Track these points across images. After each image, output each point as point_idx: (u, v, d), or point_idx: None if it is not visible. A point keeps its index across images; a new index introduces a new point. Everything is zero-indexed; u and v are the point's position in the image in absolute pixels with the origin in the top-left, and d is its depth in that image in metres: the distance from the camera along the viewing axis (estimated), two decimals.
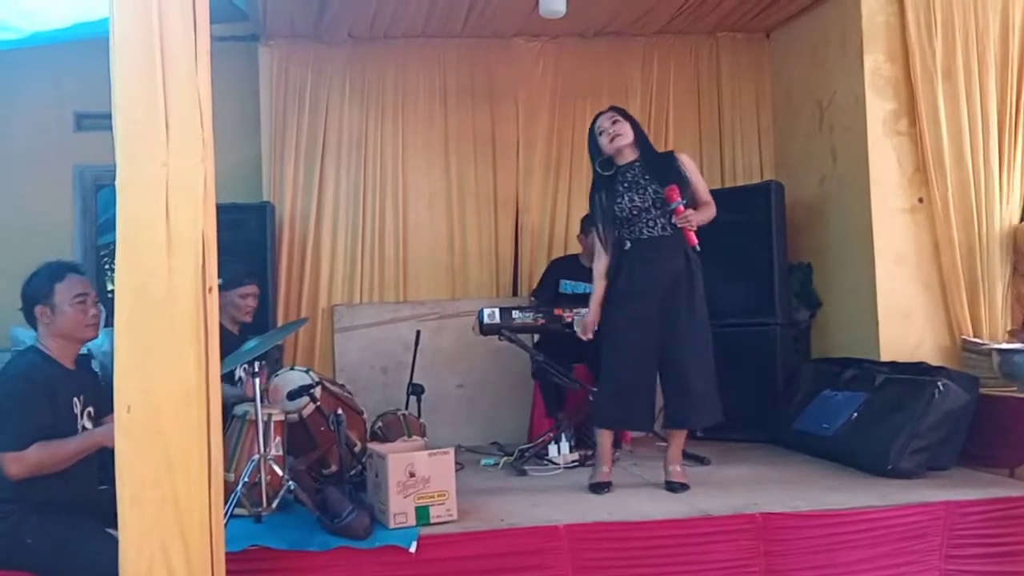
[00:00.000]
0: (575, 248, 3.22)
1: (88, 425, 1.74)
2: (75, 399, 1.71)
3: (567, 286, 3.09)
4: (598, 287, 2.34)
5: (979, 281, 2.73)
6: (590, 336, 2.34)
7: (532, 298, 3.15)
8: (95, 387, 1.83)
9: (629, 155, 2.30)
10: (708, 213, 2.28)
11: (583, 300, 2.81)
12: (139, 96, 1.41)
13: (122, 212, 1.41)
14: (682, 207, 2.20)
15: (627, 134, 2.28)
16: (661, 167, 2.28)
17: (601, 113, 2.37)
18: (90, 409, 1.75)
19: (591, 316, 2.34)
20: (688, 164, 2.31)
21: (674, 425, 2.33)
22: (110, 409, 1.74)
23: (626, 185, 2.29)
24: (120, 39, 1.42)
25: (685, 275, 2.23)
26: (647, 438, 2.81)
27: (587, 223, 3.11)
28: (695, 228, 2.21)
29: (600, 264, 2.35)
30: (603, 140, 2.31)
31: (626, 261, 2.30)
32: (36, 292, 1.71)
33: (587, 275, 3.05)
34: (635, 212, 2.28)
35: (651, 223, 2.27)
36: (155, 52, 1.41)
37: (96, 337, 1.83)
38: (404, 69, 3.43)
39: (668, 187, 2.22)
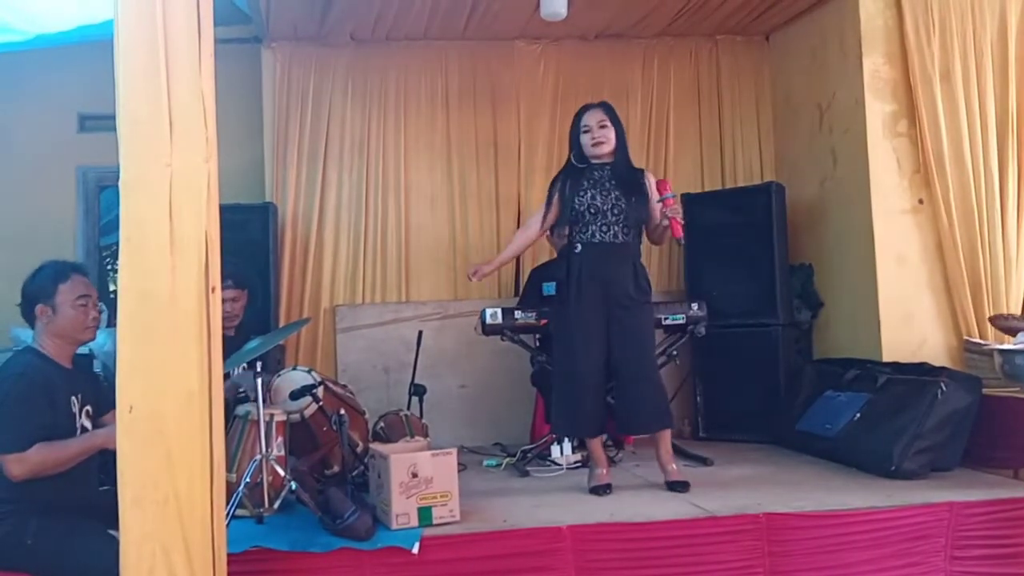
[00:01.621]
0: None
1: (87, 424, 1.73)
2: (73, 398, 1.71)
3: (549, 288, 3.09)
4: (513, 247, 2.45)
5: (982, 281, 2.73)
6: (471, 276, 2.41)
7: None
8: (93, 386, 1.84)
9: (604, 158, 2.31)
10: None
11: None
12: (143, 97, 1.41)
13: (126, 212, 1.42)
14: (671, 200, 2.23)
15: (610, 142, 2.28)
16: (629, 179, 2.29)
17: (590, 107, 2.34)
18: (88, 408, 1.74)
19: (489, 267, 2.44)
20: (653, 186, 2.30)
21: (623, 432, 2.36)
22: (108, 408, 1.74)
23: (591, 182, 2.29)
24: (124, 41, 1.43)
25: (632, 284, 2.24)
26: (650, 439, 2.81)
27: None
28: (682, 221, 2.24)
29: (528, 232, 2.41)
30: (585, 138, 2.30)
31: (575, 266, 2.29)
32: (39, 291, 1.71)
33: None
34: (592, 211, 2.28)
35: (604, 227, 2.26)
36: (159, 54, 1.42)
37: (94, 339, 1.83)
38: (406, 71, 3.44)
39: (660, 180, 2.27)
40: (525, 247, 2.51)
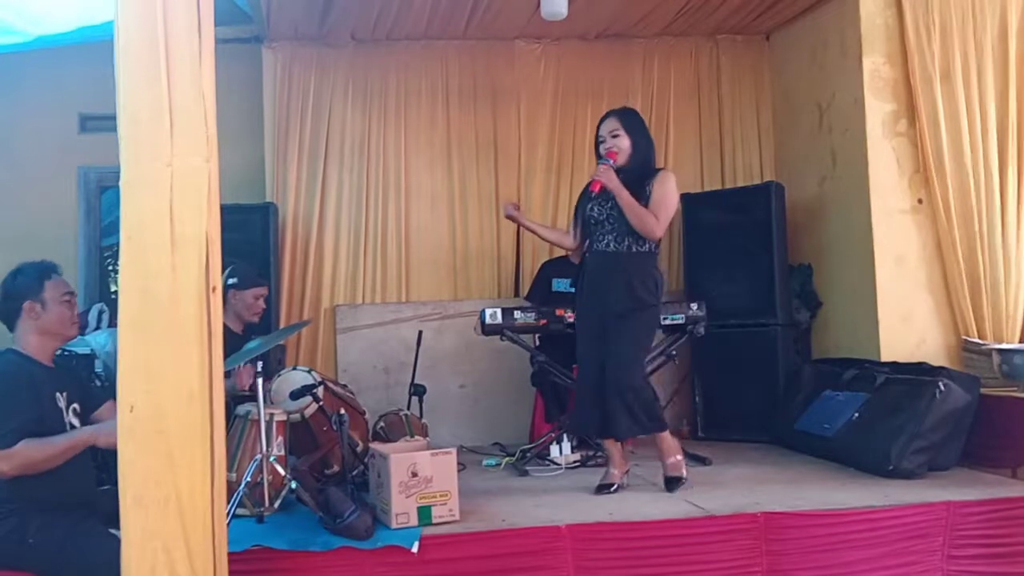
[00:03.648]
0: None
1: (75, 422, 1.73)
2: (58, 394, 1.71)
3: (559, 284, 3.11)
4: (549, 232, 2.55)
5: (981, 281, 2.73)
6: (507, 206, 2.50)
7: (526, 302, 3.17)
8: (78, 384, 1.84)
9: (620, 161, 2.29)
10: (639, 212, 2.20)
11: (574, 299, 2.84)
12: (144, 97, 1.42)
13: (126, 212, 1.42)
14: (609, 164, 2.23)
15: (623, 150, 2.27)
16: (634, 186, 2.24)
17: (607, 116, 2.34)
18: (75, 406, 1.75)
19: (525, 220, 2.52)
20: (660, 181, 2.25)
21: (614, 435, 2.33)
22: (96, 406, 1.76)
23: (598, 194, 2.28)
24: (125, 41, 1.43)
25: (624, 293, 2.22)
26: (648, 438, 2.81)
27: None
28: (603, 181, 2.21)
29: (564, 238, 2.44)
30: (601, 149, 2.33)
31: (580, 276, 2.35)
32: (26, 288, 1.71)
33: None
34: (591, 222, 2.31)
35: (600, 237, 2.29)
36: (160, 53, 1.42)
37: (77, 336, 1.84)
38: (406, 71, 3.45)
39: (608, 150, 2.26)
40: (555, 242, 2.57)
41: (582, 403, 2.32)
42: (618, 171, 2.26)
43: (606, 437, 2.31)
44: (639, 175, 2.27)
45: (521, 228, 3.46)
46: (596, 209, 2.29)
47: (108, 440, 1.54)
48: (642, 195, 2.25)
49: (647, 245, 2.27)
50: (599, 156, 2.33)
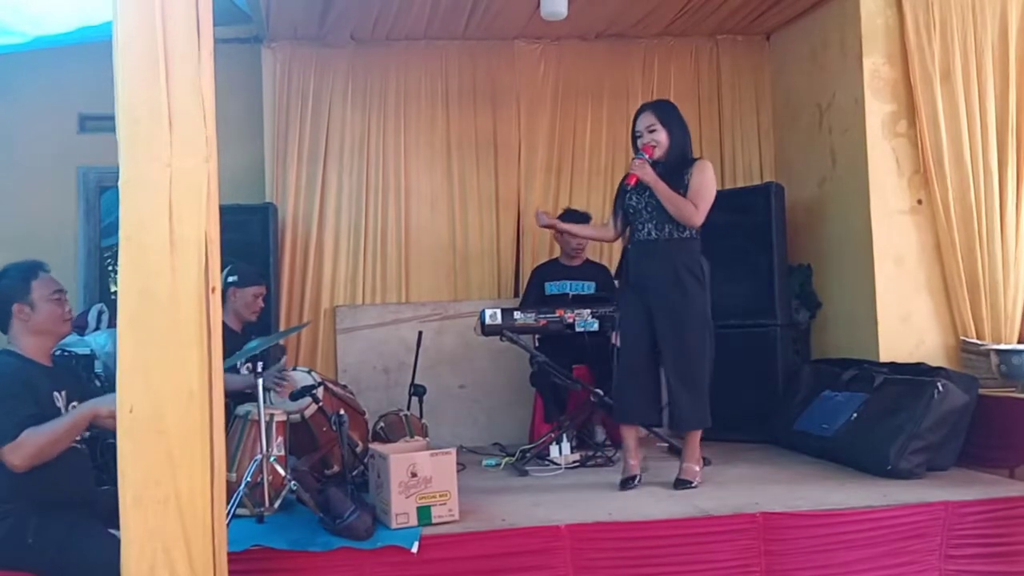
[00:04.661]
0: None
1: None
2: (56, 393, 1.71)
3: (552, 287, 3.11)
4: (590, 230, 2.74)
5: (980, 282, 2.73)
6: (539, 214, 2.55)
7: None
8: (76, 382, 1.84)
9: (656, 155, 2.31)
10: (678, 201, 2.24)
11: (571, 300, 2.84)
12: (143, 97, 1.42)
13: (125, 212, 1.42)
14: (644, 159, 2.26)
15: (661, 144, 2.29)
16: (669, 176, 2.28)
17: (642, 110, 2.36)
18: (75, 404, 1.74)
19: (561, 224, 2.62)
20: (698, 170, 2.28)
21: (669, 426, 2.39)
22: None
23: (637, 184, 2.31)
24: (124, 40, 1.43)
25: (672, 282, 2.24)
26: (648, 438, 2.82)
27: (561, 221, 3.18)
28: (638, 175, 2.25)
29: (603, 231, 2.53)
30: (638, 143, 2.34)
31: (624, 264, 2.39)
32: (12, 290, 1.70)
33: (569, 274, 3.09)
34: (631, 212, 2.34)
35: (640, 226, 2.32)
36: (159, 53, 1.42)
37: (71, 332, 1.82)
38: (406, 71, 3.45)
39: (644, 144, 2.30)
40: (596, 238, 2.73)
41: (623, 390, 2.31)
42: (655, 164, 2.29)
43: (650, 426, 2.33)
44: (676, 165, 2.30)
45: (522, 228, 3.49)
46: (634, 199, 2.32)
47: (109, 411, 1.52)
48: (680, 185, 2.27)
49: (688, 231, 2.28)
50: (636, 150, 2.34)
